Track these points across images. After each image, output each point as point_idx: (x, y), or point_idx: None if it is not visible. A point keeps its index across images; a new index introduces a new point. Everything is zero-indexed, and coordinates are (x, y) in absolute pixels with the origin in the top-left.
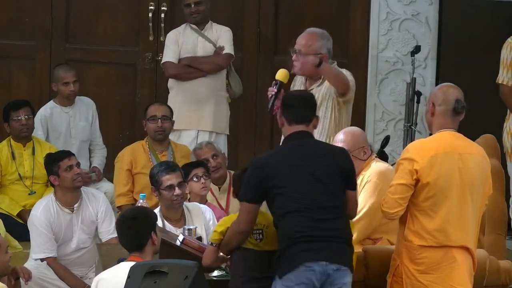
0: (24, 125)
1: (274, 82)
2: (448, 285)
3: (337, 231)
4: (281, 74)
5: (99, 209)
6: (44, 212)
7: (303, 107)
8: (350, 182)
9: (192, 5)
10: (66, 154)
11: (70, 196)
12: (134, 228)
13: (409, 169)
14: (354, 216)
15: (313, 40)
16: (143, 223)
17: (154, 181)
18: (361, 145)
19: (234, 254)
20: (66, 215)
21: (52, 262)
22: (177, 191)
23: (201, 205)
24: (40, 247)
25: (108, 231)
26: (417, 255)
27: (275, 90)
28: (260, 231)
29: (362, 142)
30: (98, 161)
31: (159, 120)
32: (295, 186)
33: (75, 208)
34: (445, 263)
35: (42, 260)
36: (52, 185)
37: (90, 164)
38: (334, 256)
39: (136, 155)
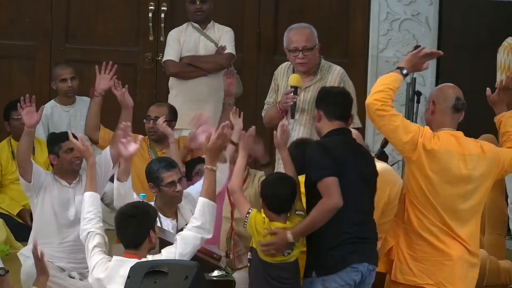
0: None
1: (290, 89)
2: (437, 281)
3: (373, 233)
4: (294, 80)
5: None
6: (42, 170)
7: (343, 103)
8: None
9: (197, 2)
10: (68, 136)
11: (67, 177)
12: (132, 227)
13: (415, 134)
14: None
15: (309, 33)
16: (141, 222)
17: (154, 178)
18: None
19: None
20: (62, 187)
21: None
22: (179, 187)
23: (186, 190)
24: None
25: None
26: (415, 241)
27: (296, 96)
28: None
29: None
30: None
31: (151, 120)
32: (347, 181)
33: (72, 184)
34: (441, 258)
35: None
36: (52, 165)
37: None
38: (372, 257)
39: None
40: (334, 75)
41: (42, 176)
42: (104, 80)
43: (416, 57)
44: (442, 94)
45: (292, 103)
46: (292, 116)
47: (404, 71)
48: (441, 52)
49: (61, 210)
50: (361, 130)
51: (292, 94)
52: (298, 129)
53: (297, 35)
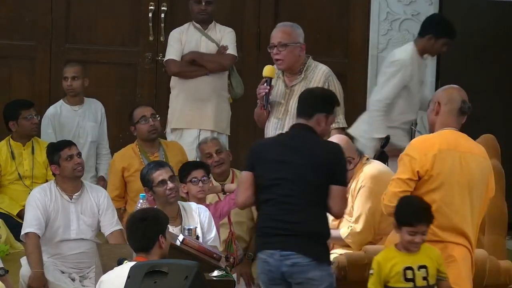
0: (35, 124)
1: (264, 80)
2: None
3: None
4: (268, 71)
5: (100, 200)
6: (40, 191)
7: (302, 103)
8: (334, 177)
9: (203, 3)
10: (67, 143)
11: (70, 185)
12: (142, 230)
13: (410, 166)
14: (339, 213)
15: (289, 31)
16: (151, 225)
17: (146, 181)
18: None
19: None
20: (64, 201)
21: (32, 237)
22: (170, 184)
23: (197, 205)
24: (27, 222)
25: (111, 223)
26: None
27: (268, 87)
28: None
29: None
30: (105, 170)
31: (150, 119)
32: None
33: (74, 197)
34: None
35: (26, 234)
36: (54, 174)
37: (96, 169)
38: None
39: (128, 160)
40: (319, 74)
41: (44, 216)
42: None
43: None
44: (448, 96)
45: (263, 93)
46: (265, 107)
47: None
48: None
49: (63, 227)
50: None
51: (265, 84)
52: (282, 127)
53: (275, 31)
